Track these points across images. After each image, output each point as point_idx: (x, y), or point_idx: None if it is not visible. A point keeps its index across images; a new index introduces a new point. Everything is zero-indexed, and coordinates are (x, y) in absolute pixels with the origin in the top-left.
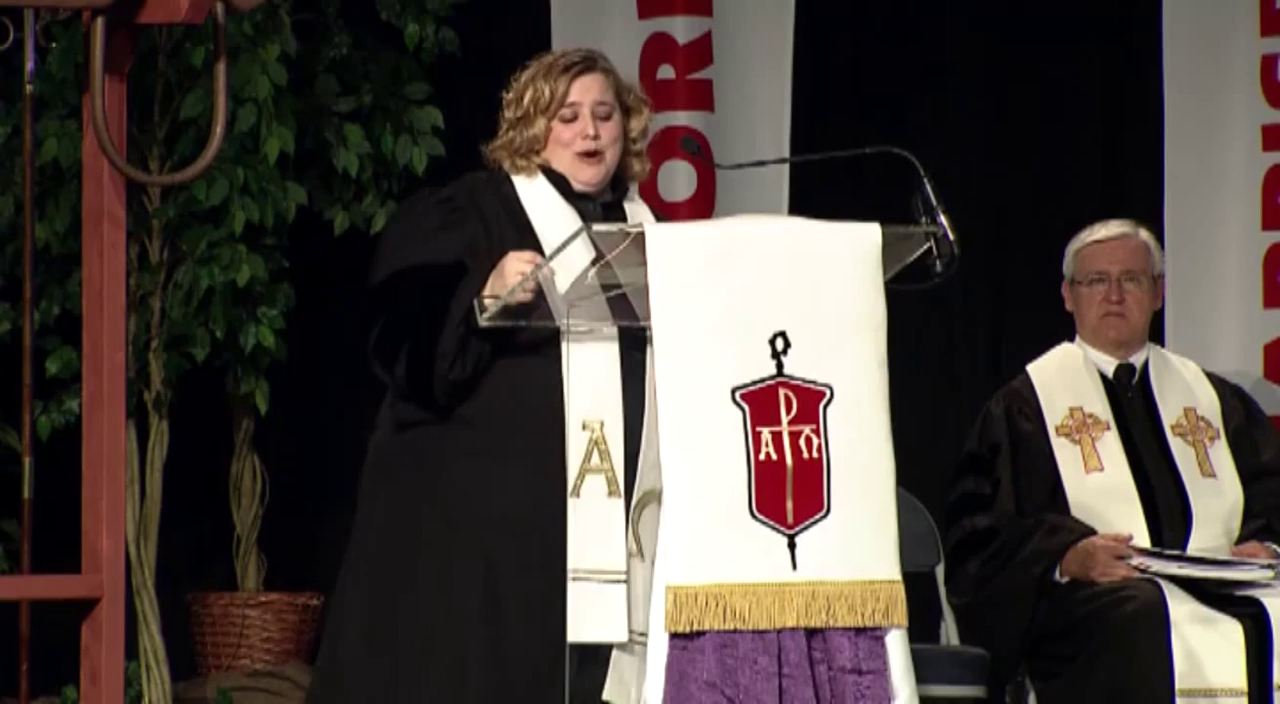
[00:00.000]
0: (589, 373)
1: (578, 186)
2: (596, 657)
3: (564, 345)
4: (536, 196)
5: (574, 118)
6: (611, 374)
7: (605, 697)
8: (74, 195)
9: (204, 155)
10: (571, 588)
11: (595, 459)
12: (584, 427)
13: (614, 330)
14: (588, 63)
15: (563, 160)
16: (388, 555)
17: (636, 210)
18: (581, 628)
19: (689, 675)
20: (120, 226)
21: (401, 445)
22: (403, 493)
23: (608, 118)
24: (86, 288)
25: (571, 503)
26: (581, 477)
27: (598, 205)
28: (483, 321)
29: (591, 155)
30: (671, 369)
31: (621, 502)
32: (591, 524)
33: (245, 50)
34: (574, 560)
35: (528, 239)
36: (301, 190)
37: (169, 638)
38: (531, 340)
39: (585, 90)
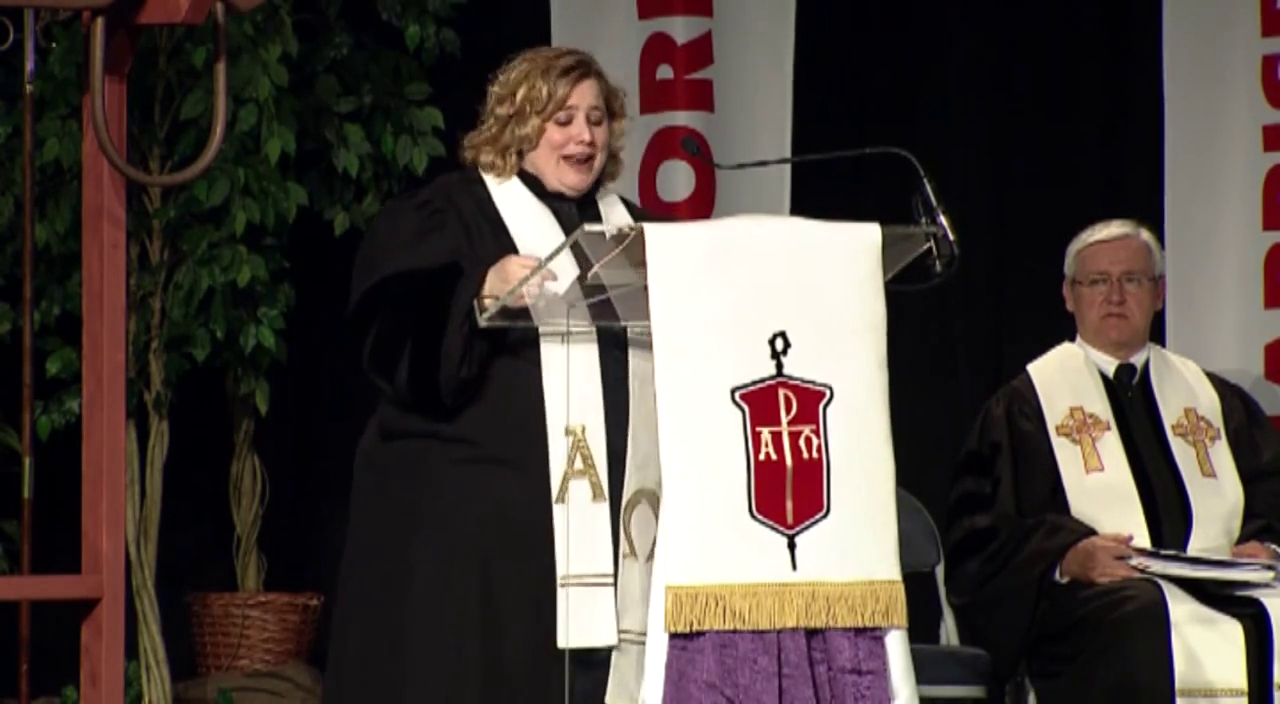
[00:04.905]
0: (568, 376)
1: (552, 187)
2: (593, 660)
3: (564, 347)
4: (510, 197)
5: (568, 122)
6: (591, 377)
7: (608, 700)
8: (74, 195)
9: (204, 155)
10: (561, 595)
11: (579, 464)
12: (566, 432)
13: (591, 332)
14: (584, 67)
15: (548, 161)
16: (382, 565)
17: (610, 206)
18: (572, 634)
19: (688, 676)
20: (120, 226)
21: (389, 454)
22: (393, 503)
23: (599, 123)
24: (86, 288)
25: (557, 509)
26: (566, 483)
27: (572, 205)
28: (482, 322)
29: (582, 160)
30: (671, 369)
31: (607, 505)
32: (578, 529)
33: (246, 50)
34: (562, 567)
35: (503, 240)
36: (302, 191)
37: (169, 638)
38: (510, 344)
39: (583, 95)
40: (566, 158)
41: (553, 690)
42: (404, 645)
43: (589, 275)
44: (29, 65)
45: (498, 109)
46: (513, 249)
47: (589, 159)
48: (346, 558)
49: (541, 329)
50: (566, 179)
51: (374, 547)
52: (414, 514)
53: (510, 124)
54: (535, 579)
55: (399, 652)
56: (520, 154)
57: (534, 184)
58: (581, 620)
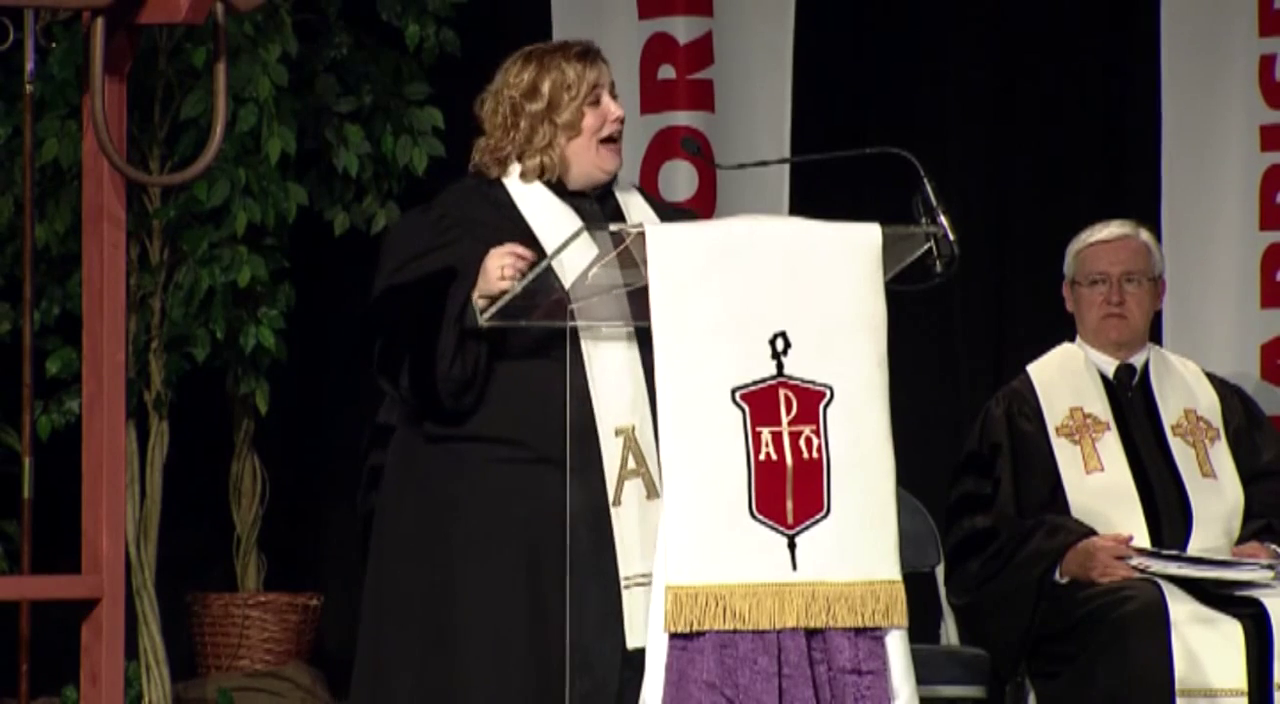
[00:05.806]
0: (614, 376)
1: (590, 176)
2: (632, 660)
3: (584, 346)
4: (532, 198)
5: (597, 102)
6: (636, 374)
7: None
8: (74, 195)
9: (204, 155)
10: (626, 596)
11: (631, 463)
12: (617, 433)
13: (631, 329)
14: (594, 49)
15: (587, 149)
16: (423, 564)
17: (629, 199)
18: (639, 633)
19: (689, 676)
20: (120, 227)
21: (430, 455)
22: (435, 502)
23: (616, 100)
24: (86, 288)
25: (614, 512)
26: (620, 484)
27: (593, 200)
28: (483, 322)
29: (617, 139)
30: (671, 369)
31: (660, 502)
32: (635, 529)
33: (246, 50)
34: (625, 568)
35: (530, 245)
36: (302, 191)
37: (169, 638)
38: (537, 343)
39: (602, 74)
40: (603, 141)
41: (606, 688)
42: (452, 639)
43: (592, 272)
44: (29, 65)
45: (528, 106)
46: (539, 251)
47: (620, 137)
48: (375, 557)
49: (580, 329)
50: (606, 165)
51: (412, 541)
52: (457, 511)
53: (545, 118)
54: (591, 577)
55: (446, 644)
56: (550, 148)
57: (553, 183)
58: (646, 619)
